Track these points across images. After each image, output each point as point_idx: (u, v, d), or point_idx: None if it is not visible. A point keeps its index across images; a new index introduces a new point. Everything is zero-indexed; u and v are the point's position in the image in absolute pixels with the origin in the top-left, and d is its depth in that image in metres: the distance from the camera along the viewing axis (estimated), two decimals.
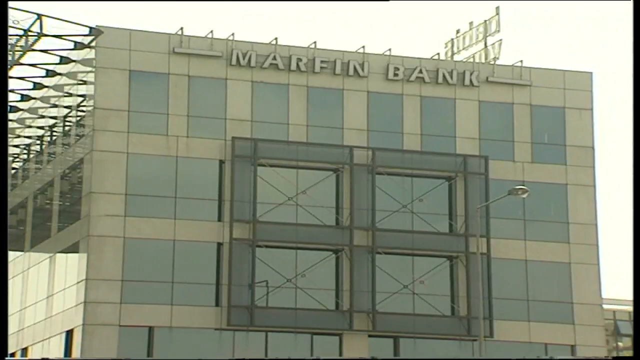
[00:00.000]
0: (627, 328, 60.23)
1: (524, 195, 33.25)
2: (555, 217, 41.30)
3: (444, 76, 41.04)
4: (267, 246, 38.39)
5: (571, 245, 41.15)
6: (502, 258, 40.19)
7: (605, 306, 42.98)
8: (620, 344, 60.94)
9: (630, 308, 59.31)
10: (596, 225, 41.82)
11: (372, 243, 39.07)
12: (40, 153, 45.15)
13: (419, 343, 39.17)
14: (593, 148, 42.36)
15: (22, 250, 44.22)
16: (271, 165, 38.96)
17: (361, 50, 40.66)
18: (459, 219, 40.13)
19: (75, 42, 38.82)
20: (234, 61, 39.27)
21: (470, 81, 41.24)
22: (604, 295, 42.06)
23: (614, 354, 58.77)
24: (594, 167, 42.21)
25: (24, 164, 46.97)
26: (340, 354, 38.38)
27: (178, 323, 37.22)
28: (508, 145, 41.41)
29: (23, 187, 45.92)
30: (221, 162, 38.73)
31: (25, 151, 46.82)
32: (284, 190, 38.77)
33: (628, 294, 69.18)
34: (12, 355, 42.65)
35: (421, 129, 40.64)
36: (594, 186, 42.09)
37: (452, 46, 43.91)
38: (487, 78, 41.66)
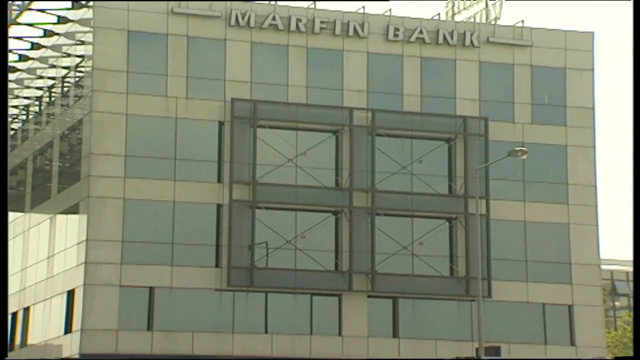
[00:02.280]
0: (624, 288, 60.64)
1: (524, 157, 33.26)
2: (554, 178, 41.35)
3: (444, 37, 40.85)
4: (266, 208, 38.47)
5: (570, 207, 41.25)
6: (501, 219, 40.30)
7: (603, 266, 43.21)
8: (617, 303, 61.38)
9: (628, 268, 59.66)
10: (595, 186, 41.90)
11: (371, 204, 39.15)
12: (39, 114, 45.08)
13: (418, 303, 39.42)
14: (593, 109, 42.30)
15: (22, 211, 44.32)
16: (270, 127, 38.91)
17: (361, 11, 40.42)
18: (458, 181, 40.18)
19: (73, 1, 38.57)
20: (233, 22, 39.05)
21: (471, 42, 41.05)
22: (602, 256, 42.27)
23: (611, 314, 59.21)
24: (594, 128, 42.18)
25: (23, 124, 46.91)
26: (340, 314, 38.62)
27: (178, 284, 37.42)
28: (508, 107, 41.35)
29: (22, 147, 45.91)
30: (220, 124, 38.69)
31: (24, 112, 46.74)
32: (284, 152, 38.77)
33: (626, 255, 69.52)
34: (14, 314, 42.92)
35: (421, 91, 40.54)
36: (594, 147, 42.09)
37: (453, 6, 43.64)
38: (487, 39, 41.47)
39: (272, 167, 38.57)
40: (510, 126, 41.19)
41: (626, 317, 52.37)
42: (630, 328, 49.51)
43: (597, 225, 41.63)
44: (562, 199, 41.21)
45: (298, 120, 38.88)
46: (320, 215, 39.00)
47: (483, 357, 31.26)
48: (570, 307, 40.62)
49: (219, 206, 38.27)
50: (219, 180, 38.42)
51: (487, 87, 41.21)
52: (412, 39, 40.59)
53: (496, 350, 34.42)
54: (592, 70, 42.48)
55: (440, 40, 40.83)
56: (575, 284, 40.78)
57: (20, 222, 44.27)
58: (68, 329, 37.91)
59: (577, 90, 42.05)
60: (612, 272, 59.31)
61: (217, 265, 37.89)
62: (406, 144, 40.08)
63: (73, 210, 38.95)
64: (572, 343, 40.39)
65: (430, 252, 39.49)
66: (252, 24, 39.21)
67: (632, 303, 59.48)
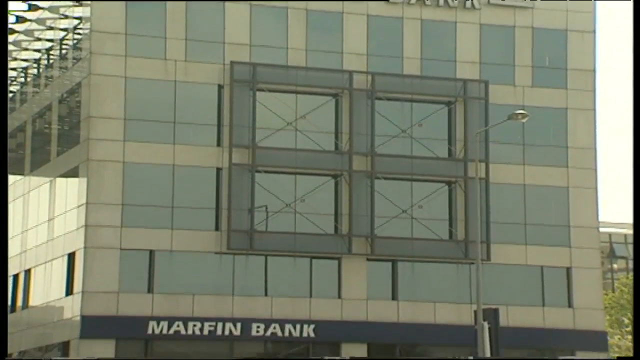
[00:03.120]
0: (622, 250, 60.90)
1: (524, 120, 33.18)
2: (554, 141, 41.31)
3: None
4: (266, 171, 38.46)
5: (570, 170, 41.25)
6: (501, 183, 40.33)
7: (601, 229, 43.31)
8: (615, 265, 61.69)
9: (626, 231, 59.83)
10: (595, 149, 41.87)
11: (371, 168, 39.14)
12: (37, 76, 44.89)
13: (417, 266, 39.59)
14: (594, 71, 42.14)
15: (22, 174, 44.31)
16: (270, 90, 38.77)
17: None
18: (458, 144, 40.15)
19: None
20: None
21: (472, 4, 40.78)
22: (600, 219, 42.36)
23: (609, 276, 59.52)
24: (594, 90, 42.05)
25: (21, 87, 46.73)
26: (339, 277, 38.79)
27: (178, 247, 37.52)
28: (508, 69, 41.18)
29: (21, 110, 45.79)
30: (220, 87, 38.55)
31: (22, 74, 46.53)
32: (283, 116, 38.66)
33: (624, 217, 69.65)
34: (16, 276, 43.11)
35: (421, 53, 40.35)
36: (594, 110, 42.01)
37: None
38: (488, 0, 41.18)
39: (272, 131, 38.50)
40: (510, 89, 41.07)
41: (623, 279, 52.65)
42: (627, 290, 49.81)
43: (596, 189, 41.67)
44: (561, 162, 41.20)
45: (298, 84, 38.73)
46: (319, 179, 39.01)
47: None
48: (568, 269, 40.80)
49: (218, 170, 38.25)
50: (219, 144, 38.37)
51: (488, 49, 41.02)
52: (413, 0, 40.32)
53: (494, 312, 34.60)
54: (594, 32, 42.26)
55: (441, 2, 40.56)
56: (574, 246, 40.92)
57: (20, 185, 44.28)
58: (69, 291, 38.09)
59: (578, 52, 41.85)
60: (610, 234, 59.52)
61: (216, 229, 37.96)
62: (406, 108, 39.98)
63: (73, 173, 38.93)
64: (570, 305, 40.64)
65: (429, 216, 39.55)
66: None
67: (630, 265, 59.77)
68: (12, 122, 45.66)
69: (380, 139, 39.33)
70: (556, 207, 41.00)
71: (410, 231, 39.29)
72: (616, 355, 48.91)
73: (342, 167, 39.07)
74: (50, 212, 40.98)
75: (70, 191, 39.15)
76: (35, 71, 45.19)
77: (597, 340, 40.48)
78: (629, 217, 65.64)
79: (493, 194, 40.00)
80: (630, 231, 57.41)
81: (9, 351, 40.95)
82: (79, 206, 37.88)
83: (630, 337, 49.71)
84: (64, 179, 40.13)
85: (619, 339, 49.61)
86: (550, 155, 41.16)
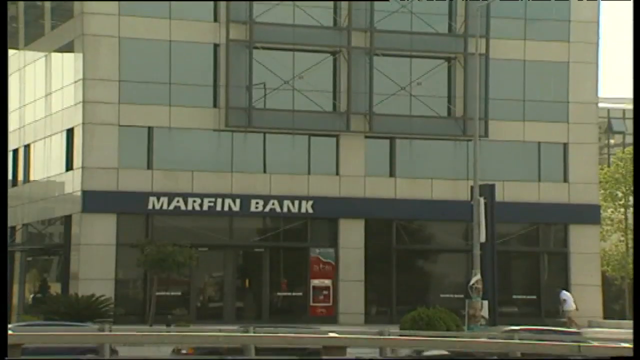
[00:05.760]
0: (620, 125, 60.97)
1: None
2: (556, 15, 40.79)
3: None
4: (264, 48, 38.07)
5: (571, 44, 40.87)
6: (501, 59, 40.02)
7: (600, 104, 43.28)
8: (612, 140, 61.87)
9: (625, 106, 59.78)
10: (598, 22, 41.39)
11: (370, 44, 38.75)
12: None
13: (415, 143, 39.73)
14: None
15: (16, 48, 43.87)
16: None
17: None
18: (458, 19, 39.64)
19: None
20: None
21: None
22: (600, 94, 42.28)
23: (605, 151, 59.78)
24: None
25: None
26: (337, 154, 38.96)
27: (177, 124, 37.52)
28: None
29: None
30: None
31: None
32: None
33: (623, 93, 69.46)
34: (15, 151, 43.24)
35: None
36: None
37: None
38: None
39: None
40: None
41: (620, 153, 52.87)
42: (622, 164, 50.11)
43: (597, 63, 41.42)
44: (563, 36, 40.78)
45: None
46: (318, 56, 38.66)
47: None
48: (565, 145, 40.97)
49: (215, 46, 37.86)
50: (215, 19, 37.86)
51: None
52: None
53: (490, 188, 35.00)
54: None
55: None
56: (572, 122, 40.98)
57: (15, 59, 43.89)
58: (69, 167, 38.32)
59: None
60: (608, 110, 59.43)
61: (215, 106, 37.88)
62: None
63: (68, 48, 38.55)
64: (565, 180, 41.00)
65: (428, 93, 39.41)
66: None
67: (627, 140, 59.95)
68: None
69: (380, 14, 38.70)
70: (556, 82, 40.83)
71: (409, 108, 39.23)
72: (608, 227, 49.65)
73: (341, 43, 38.66)
74: (47, 87, 40.78)
75: (67, 66, 38.87)
76: None
77: (590, 213, 41.10)
78: (628, 92, 65.46)
79: (492, 70, 39.74)
80: (630, 106, 57.32)
81: (13, 223, 41.55)
82: (75, 82, 37.67)
83: (623, 209, 50.32)
84: (59, 54, 39.76)
85: (612, 212, 50.21)
86: (552, 29, 40.69)
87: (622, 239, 51.00)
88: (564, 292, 38.69)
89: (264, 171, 38.37)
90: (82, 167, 36.99)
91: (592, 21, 41.12)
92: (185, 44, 37.52)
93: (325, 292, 38.26)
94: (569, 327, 34.62)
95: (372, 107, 38.65)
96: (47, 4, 41.36)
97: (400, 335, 26.13)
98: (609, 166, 52.82)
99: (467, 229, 36.24)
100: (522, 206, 39.78)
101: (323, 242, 38.70)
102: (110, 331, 23.12)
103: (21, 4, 43.72)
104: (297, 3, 38.10)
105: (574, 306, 38.07)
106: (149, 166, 37.39)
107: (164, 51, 37.32)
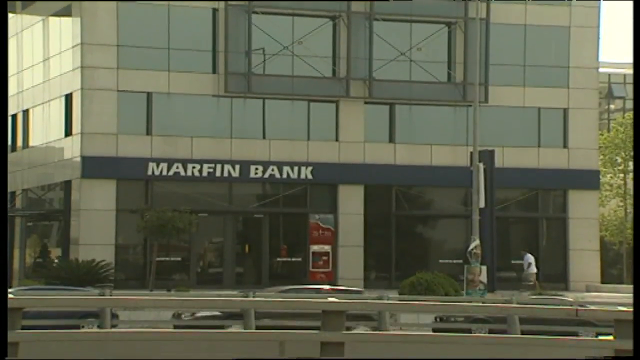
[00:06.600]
0: (620, 91, 60.82)
1: None
2: None
3: None
4: (263, 12, 37.87)
5: (572, 8, 40.63)
6: (501, 23, 39.81)
7: (600, 69, 43.12)
8: (612, 106, 61.77)
9: (626, 71, 59.57)
10: None
11: (369, 9, 38.53)
12: None
13: (415, 109, 39.64)
14: None
15: (13, 12, 43.60)
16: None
17: None
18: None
19: None
20: None
21: None
22: (600, 59, 42.11)
23: (605, 117, 59.71)
24: None
25: None
26: (337, 120, 38.88)
27: (176, 89, 37.41)
28: None
29: None
30: None
31: None
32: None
33: (624, 57, 69.22)
34: (14, 116, 43.16)
35: None
36: None
37: None
38: None
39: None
40: None
41: (620, 118, 52.78)
42: (622, 129, 50.04)
43: (598, 27, 41.20)
44: None
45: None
46: (317, 21, 38.46)
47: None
48: (565, 110, 40.87)
49: (214, 10, 37.65)
50: None
51: None
52: None
53: (490, 154, 34.99)
54: None
55: None
56: (572, 87, 40.86)
57: (12, 23, 43.65)
58: (68, 132, 38.27)
59: None
60: (609, 75, 59.24)
61: (214, 72, 37.73)
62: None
63: (65, 12, 38.33)
64: (565, 145, 40.96)
65: (428, 58, 39.25)
66: None
67: (627, 105, 59.83)
68: None
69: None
70: (557, 47, 40.64)
71: (409, 74, 39.09)
72: (607, 193, 49.69)
73: (341, 8, 38.43)
74: (45, 52, 40.60)
75: (65, 31, 38.66)
76: None
77: (589, 178, 41.12)
78: (628, 57, 65.25)
79: (493, 35, 39.54)
80: (630, 71, 57.13)
81: (13, 189, 41.56)
82: (73, 47, 37.51)
83: (622, 175, 50.33)
84: (57, 18, 39.55)
85: (611, 177, 50.22)
86: None
87: (621, 204, 51.08)
88: (529, 255, 38.45)
89: (264, 137, 38.32)
90: (81, 133, 36.94)
91: None
92: (184, 8, 37.31)
93: (324, 258, 38.37)
94: (533, 290, 34.69)
95: (371, 72, 38.51)
96: None
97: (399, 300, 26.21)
98: (608, 131, 52.75)
99: (467, 194, 36.25)
100: (521, 172, 39.77)
101: (322, 208, 38.74)
102: (111, 296, 23.20)
103: None
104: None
105: (535, 270, 37.92)
106: (148, 132, 37.35)
107: (163, 16, 37.12)
